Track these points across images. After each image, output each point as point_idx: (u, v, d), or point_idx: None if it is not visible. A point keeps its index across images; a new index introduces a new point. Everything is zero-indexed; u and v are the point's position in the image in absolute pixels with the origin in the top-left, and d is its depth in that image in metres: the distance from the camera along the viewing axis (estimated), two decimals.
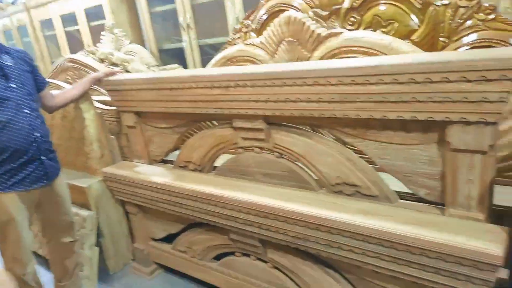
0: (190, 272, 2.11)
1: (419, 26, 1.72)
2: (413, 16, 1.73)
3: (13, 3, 4.89)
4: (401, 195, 1.42)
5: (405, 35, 1.74)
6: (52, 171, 1.77)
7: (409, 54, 1.54)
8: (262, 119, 1.59)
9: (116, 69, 2.14)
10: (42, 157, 1.72)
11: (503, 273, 1.11)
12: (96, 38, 3.52)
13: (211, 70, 1.67)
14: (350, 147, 1.47)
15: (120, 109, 2.13)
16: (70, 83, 3.00)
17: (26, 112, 1.65)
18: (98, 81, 2.10)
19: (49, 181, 1.76)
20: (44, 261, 2.43)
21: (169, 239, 2.18)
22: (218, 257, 1.98)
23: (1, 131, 1.59)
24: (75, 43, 4.20)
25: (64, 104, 2.01)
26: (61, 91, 2.06)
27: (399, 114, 1.22)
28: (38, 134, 1.69)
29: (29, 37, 4.77)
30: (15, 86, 1.64)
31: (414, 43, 1.70)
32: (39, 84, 1.84)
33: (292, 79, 1.39)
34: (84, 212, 2.22)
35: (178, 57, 3.12)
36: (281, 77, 1.41)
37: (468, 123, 1.13)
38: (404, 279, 1.27)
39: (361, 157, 1.44)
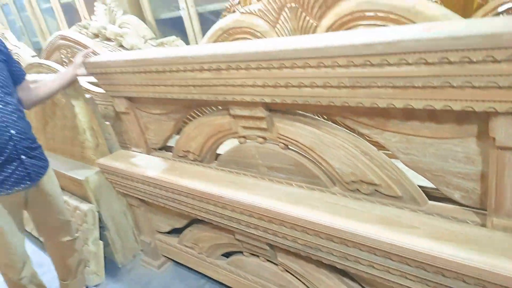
0: (199, 268, 1.96)
1: None
2: None
3: None
4: (431, 193, 1.18)
5: None
6: (35, 170, 1.61)
7: (439, 23, 1.20)
8: (262, 106, 1.35)
9: (91, 48, 1.87)
10: (22, 157, 1.55)
11: None
12: (93, 10, 3.25)
13: (199, 49, 1.41)
14: (368, 139, 1.21)
15: (110, 93, 1.92)
16: (65, 63, 2.80)
17: None
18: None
19: (32, 181, 1.61)
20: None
21: (178, 230, 2.02)
22: (228, 253, 1.82)
23: None
24: (73, 16, 3.94)
25: (41, 100, 1.78)
26: (39, 84, 1.82)
27: (428, 103, 0.95)
28: (14, 132, 1.52)
29: (27, 11, 4.53)
30: None
31: (443, 1, 1.37)
32: (16, 75, 1.64)
33: (291, 60, 1.12)
34: (84, 206, 2.10)
35: (177, 27, 2.81)
36: (277, 58, 1.15)
37: None
38: None
39: (381, 151, 1.19)
